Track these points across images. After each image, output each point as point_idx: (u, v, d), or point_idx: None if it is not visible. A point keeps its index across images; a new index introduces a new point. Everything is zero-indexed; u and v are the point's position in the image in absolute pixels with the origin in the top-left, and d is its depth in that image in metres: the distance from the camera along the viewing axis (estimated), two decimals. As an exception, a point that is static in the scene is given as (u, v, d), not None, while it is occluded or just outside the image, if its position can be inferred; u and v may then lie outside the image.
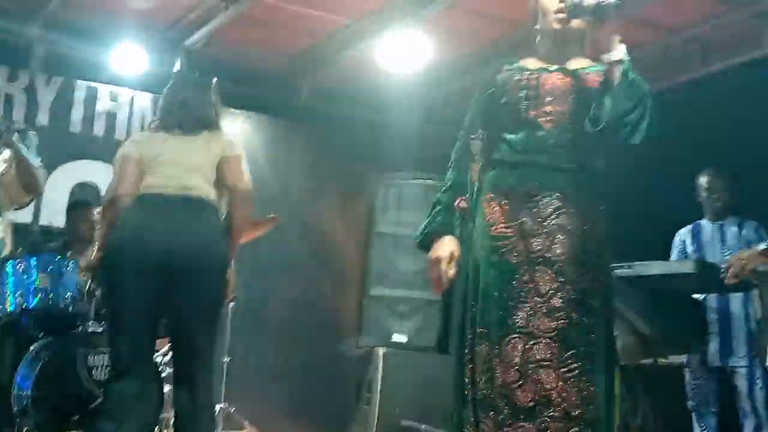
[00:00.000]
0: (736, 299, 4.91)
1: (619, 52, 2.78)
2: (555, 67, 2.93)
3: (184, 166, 3.76)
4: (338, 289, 7.63)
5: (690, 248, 5.19)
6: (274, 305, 7.26)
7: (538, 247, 2.73)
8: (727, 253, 4.89)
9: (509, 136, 2.85)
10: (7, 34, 6.51)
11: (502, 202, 2.81)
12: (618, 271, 4.66)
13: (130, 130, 6.96)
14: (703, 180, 5.19)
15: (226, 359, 5.95)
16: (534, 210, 2.77)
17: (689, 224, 5.27)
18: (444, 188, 3.05)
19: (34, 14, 6.46)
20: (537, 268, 2.72)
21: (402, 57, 6.30)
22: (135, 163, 3.79)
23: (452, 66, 6.87)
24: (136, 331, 3.63)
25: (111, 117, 6.97)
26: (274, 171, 7.44)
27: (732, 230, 5.09)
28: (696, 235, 5.21)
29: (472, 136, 2.99)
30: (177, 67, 6.81)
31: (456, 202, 2.99)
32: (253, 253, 6.02)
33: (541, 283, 2.70)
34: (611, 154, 2.88)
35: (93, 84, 6.91)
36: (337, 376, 7.30)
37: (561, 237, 2.75)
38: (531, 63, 2.98)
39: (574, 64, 2.94)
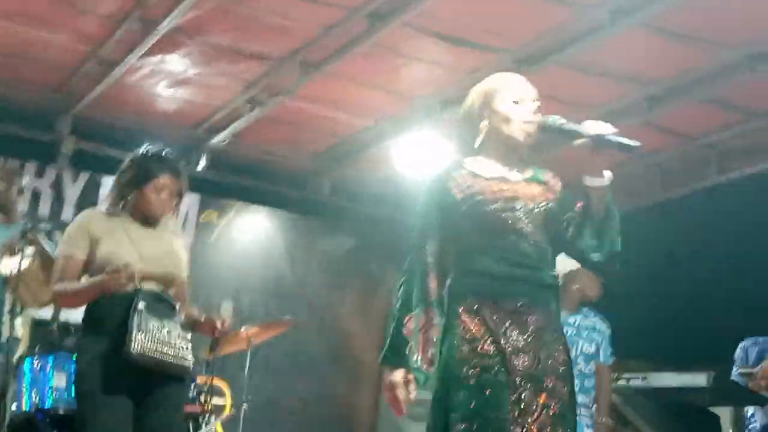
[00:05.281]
0: None
1: (606, 178, 2.72)
2: (519, 176, 2.84)
3: None
4: (354, 386, 7.60)
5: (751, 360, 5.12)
6: (288, 402, 7.22)
7: (526, 364, 2.70)
8: None
9: (488, 247, 2.74)
10: (36, 131, 6.67)
11: (487, 317, 2.70)
12: (633, 382, 4.67)
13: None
14: None
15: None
16: (521, 326, 2.72)
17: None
18: (399, 304, 2.82)
19: (63, 113, 6.63)
20: (528, 385, 2.68)
21: (421, 158, 6.39)
22: None
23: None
24: None
25: (135, 213, 7.05)
26: (292, 267, 7.50)
27: None
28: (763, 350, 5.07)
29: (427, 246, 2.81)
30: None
31: None
32: (269, 349, 6.05)
33: (530, 401, 2.68)
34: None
35: (118, 180, 7.01)
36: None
37: (544, 353, 2.73)
38: (483, 166, 2.84)
39: (529, 170, 2.88)
